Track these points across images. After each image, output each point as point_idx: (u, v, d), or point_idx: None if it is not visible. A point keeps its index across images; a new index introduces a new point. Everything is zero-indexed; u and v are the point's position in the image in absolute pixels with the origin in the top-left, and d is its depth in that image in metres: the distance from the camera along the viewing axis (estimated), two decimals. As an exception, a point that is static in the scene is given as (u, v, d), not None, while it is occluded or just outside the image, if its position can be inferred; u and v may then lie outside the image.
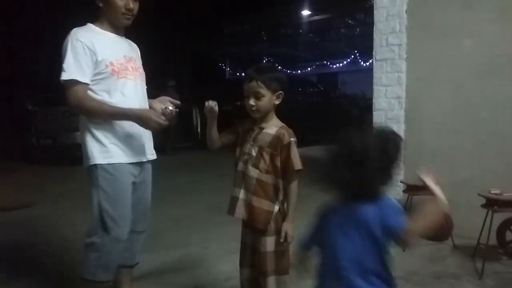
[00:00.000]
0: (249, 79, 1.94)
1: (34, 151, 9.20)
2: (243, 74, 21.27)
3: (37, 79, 10.86)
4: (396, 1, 3.99)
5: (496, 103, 3.59)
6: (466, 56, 3.72)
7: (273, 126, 1.99)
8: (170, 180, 6.89)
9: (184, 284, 2.91)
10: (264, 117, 1.99)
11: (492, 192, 3.07)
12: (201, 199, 5.43)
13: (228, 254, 3.39)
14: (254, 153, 1.96)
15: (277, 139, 1.94)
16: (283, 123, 2.02)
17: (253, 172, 1.95)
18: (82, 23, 2.31)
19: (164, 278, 3.01)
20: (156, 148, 2.40)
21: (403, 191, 3.85)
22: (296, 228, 1.98)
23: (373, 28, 4.17)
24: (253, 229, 1.99)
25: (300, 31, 16.18)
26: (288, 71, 20.45)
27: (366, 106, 10.81)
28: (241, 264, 2.10)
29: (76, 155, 9.16)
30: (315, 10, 13.92)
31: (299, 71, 20.86)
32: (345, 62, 20.16)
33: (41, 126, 8.90)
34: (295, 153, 1.94)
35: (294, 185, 1.97)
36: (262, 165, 1.94)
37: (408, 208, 3.62)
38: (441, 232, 3.62)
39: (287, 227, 1.95)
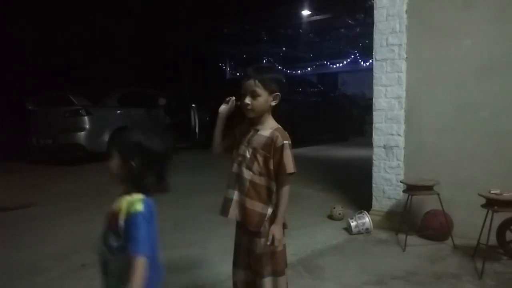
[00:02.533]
0: (247, 77, 1.93)
1: (34, 151, 9.21)
2: (243, 74, 21.30)
3: (37, 79, 10.86)
4: (396, 1, 3.99)
5: (496, 103, 3.59)
6: (466, 56, 3.72)
7: (268, 128, 1.97)
8: (170, 180, 6.89)
9: (184, 284, 2.91)
10: (259, 118, 1.98)
11: (492, 192, 3.07)
12: (201, 199, 5.43)
13: (228, 254, 3.37)
14: (248, 155, 1.95)
15: (270, 141, 1.92)
16: (278, 125, 2.00)
17: (247, 174, 1.94)
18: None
19: (164, 278, 3.00)
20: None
21: (403, 191, 3.85)
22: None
23: (373, 28, 4.17)
24: (246, 231, 1.99)
25: (300, 31, 16.18)
26: (288, 71, 20.48)
27: (366, 106, 10.86)
28: (235, 265, 2.10)
29: (76, 155, 9.20)
30: (315, 10, 13.91)
31: (299, 71, 20.86)
32: (345, 62, 20.17)
33: (41, 126, 8.90)
34: (288, 156, 1.91)
35: (285, 189, 1.94)
36: (255, 167, 1.93)
37: (408, 208, 3.62)
38: (441, 231, 3.63)
39: (274, 230, 1.91)
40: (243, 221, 1.96)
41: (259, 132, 1.97)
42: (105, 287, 1.55)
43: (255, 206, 1.93)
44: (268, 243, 1.90)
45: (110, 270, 1.51)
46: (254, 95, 1.92)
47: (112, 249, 1.49)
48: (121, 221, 1.47)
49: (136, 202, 1.48)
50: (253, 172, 1.93)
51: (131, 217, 1.45)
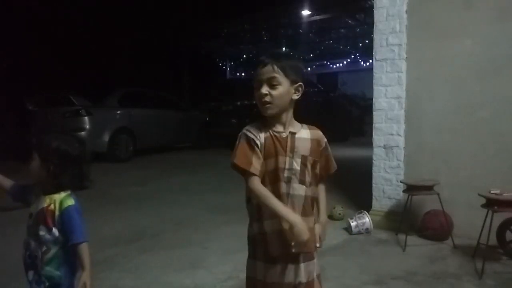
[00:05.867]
0: (263, 64, 1.55)
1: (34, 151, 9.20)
2: (243, 74, 21.37)
3: (37, 79, 10.87)
4: (396, 1, 3.99)
5: (496, 103, 3.59)
6: (466, 56, 3.72)
7: (301, 128, 1.64)
8: (170, 180, 6.89)
9: (184, 284, 2.91)
10: (285, 116, 1.60)
11: (492, 192, 3.07)
12: (201, 199, 5.43)
13: (228, 254, 3.40)
14: (297, 167, 1.58)
15: (316, 143, 1.64)
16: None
17: (301, 190, 1.59)
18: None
19: (164, 278, 3.01)
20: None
21: (403, 191, 3.85)
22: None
23: (373, 28, 4.17)
24: (298, 261, 1.61)
25: (300, 31, 16.17)
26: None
27: (366, 106, 10.84)
28: None
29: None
30: (315, 10, 13.90)
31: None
32: (345, 62, 20.16)
33: (41, 126, 8.90)
34: (331, 154, 1.70)
35: (325, 187, 1.75)
36: (307, 178, 1.61)
37: (408, 208, 3.62)
38: (441, 231, 3.63)
39: (320, 229, 1.68)
40: (302, 247, 1.58)
41: (297, 136, 1.60)
42: (37, 279, 1.66)
43: (310, 223, 1.62)
44: (317, 245, 1.66)
45: (44, 261, 1.64)
46: (273, 84, 1.53)
47: (44, 241, 1.64)
48: (56, 217, 1.64)
49: (66, 198, 1.67)
50: (306, 185, 1.60)
51: (66, 211, 1.64)
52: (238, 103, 10.42)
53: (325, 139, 1.69)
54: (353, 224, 3.93)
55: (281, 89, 1.54)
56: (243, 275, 3.00)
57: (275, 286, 1.59)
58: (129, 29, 13.89)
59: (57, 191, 1.67)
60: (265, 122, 1.61)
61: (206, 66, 17.82)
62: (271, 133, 1.59)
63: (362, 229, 3.92)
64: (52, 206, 1.65)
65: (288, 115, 1.61)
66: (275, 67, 1.53)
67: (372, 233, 3.92)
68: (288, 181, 1.57)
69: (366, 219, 3.95)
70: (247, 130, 1.59)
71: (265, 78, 1.55)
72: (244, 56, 20.11)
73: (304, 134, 1.63)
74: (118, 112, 9.22)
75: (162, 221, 4.44)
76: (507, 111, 3.55)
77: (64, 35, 12.29)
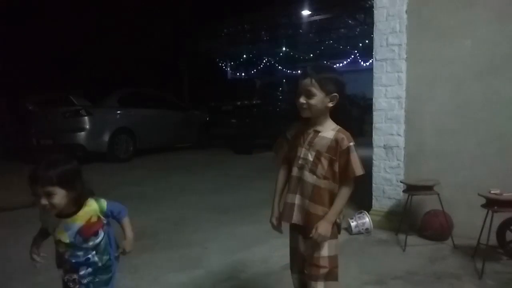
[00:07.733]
0: (304, 76, 1.87)
1: (34, 151, 9.22)
2: (243, 74, 21.36)
3: (37, 79, 10.88)
4: (396, 1, 3.99)
5: (496, 103, 3.59)
6: (466, 56, 3.72)
7: (329, 130, 1.91)
8: (170, 180, 6.90)
9: (184, 284, 2.91)
10: (317, 119, 1.91)
11: (492, 192, 3.06)
12: (201, 199, 5.44)
13: (228, 254, 3.40)
14: (310, 158, 1.89)
15: (335, 143, 1.86)
16: (339, 126, 1.93)
17: (310, 178, 1.88)
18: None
19: (164, 278, 3.01)
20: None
21: (403, 191, 3.85)
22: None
23: (373, 28, 4.17)
24: (306, 235, 1.89)
25: (300, 31, 16.18)
26: (288, 71, 20.49)
27: (366, 106, 10.84)
28: (292, 270, 2.05)
29: (76, 155, 9.22)
30: (315, 10, 13.91)
31: (299, 71, 20.80)
32: (345, 62, 20.17)
33: (41, 126, 8.91)
34: (355, 158, 1.85)
35: (347, 190, 1.88)
36: (319, 170, 1.87)
37: (408, 208, 3.62)
38: (441, 231, 3.63)
39: (320, 224, 1.83)
40: (305, 225, 1.89)
41: (320, 134, 1.90)
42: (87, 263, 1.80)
43: (318, 210, 1.87)
44: (310, 235, 1.83)
45: (96, 253, 1.81)
46: (309, 95, 1.86)
47: (93, 246, 1.79)
48: (104, 220, 1.80)
49: (98, 202, 1.78)
50: (317, 176, 1.87)
51: (109, 208, 1.80)
52: (238, 103, 10.43)
53: (349, 143, 1.86)
54: (353, 224, 3.93)
55: (316, 99, 1.86)
56: (243, 275, 3.02)
57: (294, 251, 2.01)
58: (129, 29, 13.90)
59: (82, 205, 1.74)
60: (304, 121, 1.96)
61: (206, 66, 17.81)
62: (302, 130, 1.96)
63: (362, 229, 3.92)
64: (94, 218, 1.75)
65: (323, 117, 1.93)
66: (313, 81, 1.85)
67: (372, 233, 3.92)
68: (301, 167, 1.91)
69: (366, 219, 3.95)
70: (287, 129, 2.07)
71: (303, 90, 1.88)
72: (244, 56, 20.12)
73: (328, 134, 1.90)
74: (118, 112, 9.22)
75: (162, 221, 4.44)
76: (507, 111, 3.55)
77: (65, 35, 12.29)
